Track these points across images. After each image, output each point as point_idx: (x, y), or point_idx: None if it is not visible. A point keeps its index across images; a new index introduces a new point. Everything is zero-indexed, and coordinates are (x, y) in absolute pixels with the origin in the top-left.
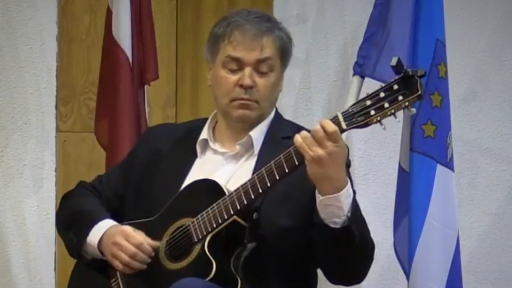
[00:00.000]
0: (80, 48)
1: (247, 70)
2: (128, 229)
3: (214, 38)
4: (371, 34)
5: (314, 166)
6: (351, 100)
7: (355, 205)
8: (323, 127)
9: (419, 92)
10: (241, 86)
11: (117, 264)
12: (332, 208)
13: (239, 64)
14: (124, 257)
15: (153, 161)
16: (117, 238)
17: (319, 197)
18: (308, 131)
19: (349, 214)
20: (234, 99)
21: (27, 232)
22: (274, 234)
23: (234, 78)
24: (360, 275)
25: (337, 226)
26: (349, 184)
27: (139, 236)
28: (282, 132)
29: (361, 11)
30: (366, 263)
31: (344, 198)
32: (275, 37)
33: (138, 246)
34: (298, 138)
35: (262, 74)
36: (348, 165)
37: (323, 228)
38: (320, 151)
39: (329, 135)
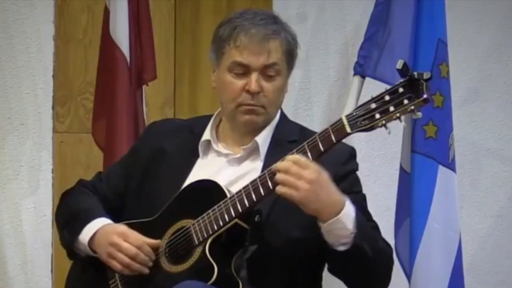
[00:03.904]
0: (77, 48)
1: (254, 75)
2: (125, 229)
3: (219, 40)
4: (372, 33)
5: (306, 202)
6: (351, 100)
7: (360, 219)
8: (291, 160)
9: (425, 96)
10: (248, 91)
11: (115, 264)
12: (338, 231)
13: (246, 69)
14: (124, 258)
15: (155, 159)
16: (114, 238)
17: (322, 225)
18: (314, 132)
19: (355, 231)
20: (240, 104)
21: (24, 233)
22: (278, 242)
23: (240, 83)
24: (383, 281)
25: (347, 247)
26: (347, 201)
27: (139, 236)
28: (288, 135)
29: (361, 10)
30: (386, 271)
31: (346, 217)
32: (281, 41)
33: (139, 247)
34: (278, 188)
35: (269, 78)
36: (356, 169)
37: (335, 253)
38: (304, 186)
39: (298, 164)
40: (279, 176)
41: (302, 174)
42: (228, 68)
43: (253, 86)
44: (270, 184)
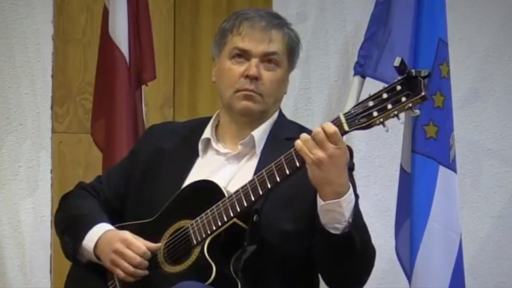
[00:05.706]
0: (76, 48)
1: (254, 61)
2: (127, 235)
3: (222, 32)
4: (372, 33)
5: (315, 169)
6: (351, 101)
7: (357, 211)
8: (323, 129)
9: (423, 94)
10: (247, 76)
11: (118, 272)
12: (333, 214)
13: (246, 56)
14: (128, 266)
15: (155, 160)
16: (117, 245)
17: (320, 202)
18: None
19: (350, 220)
20: (238, 90)
21: (23, 234)
22: (275, 237)
23: (240, 69)
24: (360, 282)
25: (338, 232)
26: (351, 189)
27: (141, 244)
28: (285, 133)
29: (362, 10)
30: (366, 270)
31: (346, 203)
32: (284, 34)
33: (142, 255)
34: (298, 141)
35: (268, 67)
36: (352, 168)
37: (324, 233)
38: (320, 154)
39: (329, 137)
40: (304, 138)
41: (325, 145)
42: (229, 55)
43: (252, 70)
44: (268, 183)
